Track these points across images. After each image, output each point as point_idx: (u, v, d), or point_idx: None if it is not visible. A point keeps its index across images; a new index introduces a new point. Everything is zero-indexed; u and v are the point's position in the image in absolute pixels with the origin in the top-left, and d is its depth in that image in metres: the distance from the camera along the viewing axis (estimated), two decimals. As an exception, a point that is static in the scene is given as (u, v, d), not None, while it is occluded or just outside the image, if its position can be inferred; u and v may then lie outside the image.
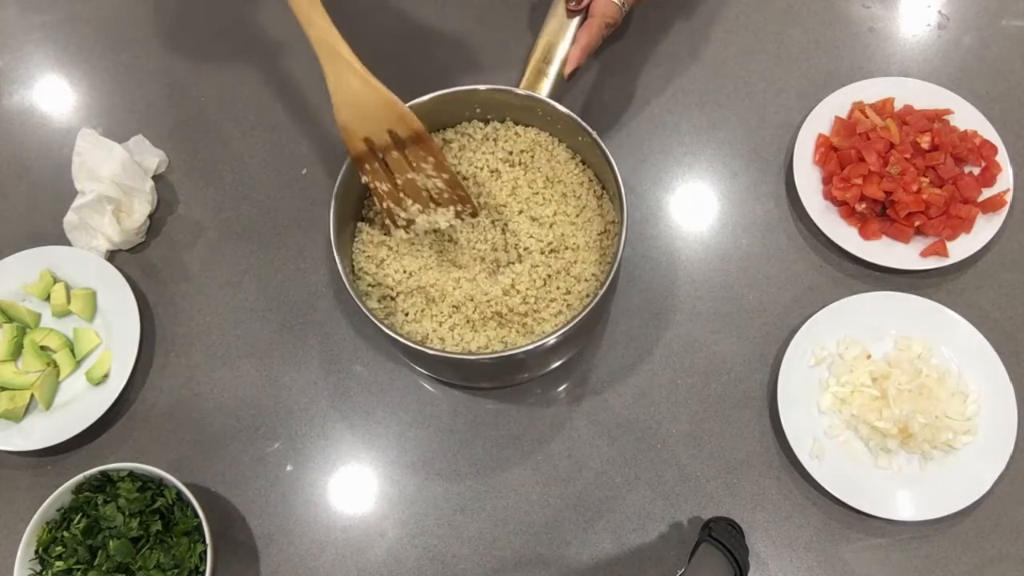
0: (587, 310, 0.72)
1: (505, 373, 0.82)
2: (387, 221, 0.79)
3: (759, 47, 0.99)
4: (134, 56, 1.03)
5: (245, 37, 1.03)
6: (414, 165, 0.74)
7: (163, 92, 1.00)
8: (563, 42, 0.81)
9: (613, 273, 0.73)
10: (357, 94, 0.71)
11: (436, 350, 0.75)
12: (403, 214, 0.77)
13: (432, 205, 0.77)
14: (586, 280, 0.79)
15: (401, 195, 0.75)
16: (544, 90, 0.81)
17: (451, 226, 0.79)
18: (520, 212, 0.81)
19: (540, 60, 0.81)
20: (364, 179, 0.77)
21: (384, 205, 0.77)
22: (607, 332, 0.87)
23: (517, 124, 0.85)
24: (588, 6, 0.80)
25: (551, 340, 0.71)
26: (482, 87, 0.80)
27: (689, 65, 0.99)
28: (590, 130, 0.78)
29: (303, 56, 1.01)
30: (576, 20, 0.81)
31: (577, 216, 0.82)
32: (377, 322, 0.72)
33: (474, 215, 0.79)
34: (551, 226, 0.81)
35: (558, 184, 0.83)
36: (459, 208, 0.79)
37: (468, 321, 0.78)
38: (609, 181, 0.79)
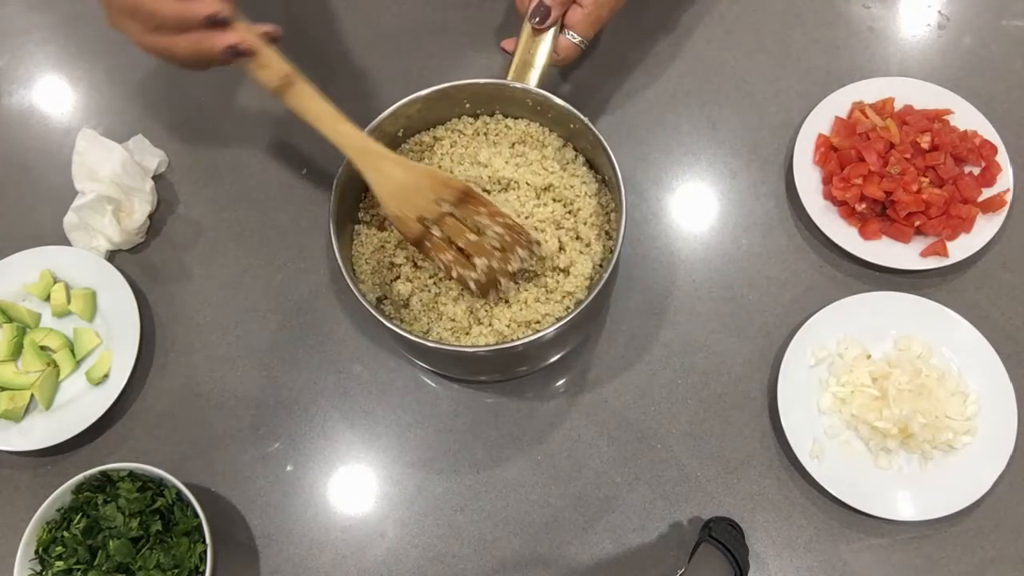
0: (588, 300, 0.72)
1: (505, 366, 0.83)
2: (465, 290, 0.78)
3: (759, 47, 0.99)
4: (134, 56, 1.02)
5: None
6: (469, 223, 0.75)
7: (163, 92, 1.00)
8: (548, 32, 0.81)
9: (614, 262, 0.73)
10: (399, 180, 0.73)
11: (436, 343, 0.75)
12: (474, 274, 0.75)
13: (499, 253, 0.75)
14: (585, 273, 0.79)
15: (467, 257, 0.75)
16: (533, 80, 0.81)
17: (524, 265, 0.77)
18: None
19: (525, 51, 0.82)
20: (430, 258, 0.77)
21: (455, 274, 0.76)
22: (607, 332, 0.87)
23: (507, 117, 0.85)
24: (552, 24, 0.81)
25: (550, 332, 0.71)
26: (477, 81, 0.81)
27: (689, 65, 0.99)
28: (581, 116, 0.78)
29: (304, 56, 1.01)
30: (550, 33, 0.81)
31: (572, 204, 0.81)
32: (380, 317, 0.72)
33: (539, 244, 0.78)
34: (551, 221, 0.81)
35: (552, 175, 0.83)
36: (525, 246, 0.76)
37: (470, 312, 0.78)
38: (605, 167, 0.79)
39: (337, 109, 0.73)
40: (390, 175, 0.74)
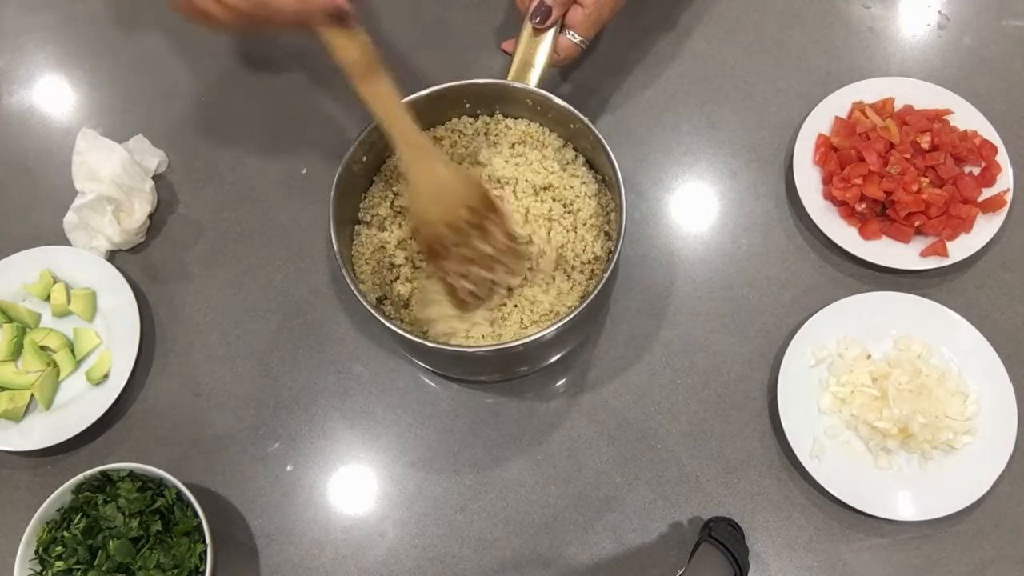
0: (588, 300, 0.72)
1: (505, 366, 0.83)
2: (456, 301, 0.78)
3: (759, 47, 0.99)
4: (134, 56, 1.03)
5: (246, 37, 1.03)
6: (485, 233, 0.75)
7: (163, 92, 1.00)
8: (548, 32, 0.81)
9: (614, 262, 0.73)
10: (441, 180, 0.73)
11: (436, 343, 0.75)
12: (469, 285, 0.76)
13: (499, 268, 0.76)
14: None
15: (471, 268, 0.76)
16: (533, 80, 0.81)
17: (519, 286, 0.78)
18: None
19: (526, 51, 0.82)
20: (434, 263, 0.76)
21: (453, 282, 0.76)
22: (607, 332, 0.87)
23: (507, 117, 0.85)
24: (553, 23, 0.81)
25: (550, 332, 0.71)
26: (477, 81, 0.81)
27: (689, 65, 0.99)
28: (581, 116, 0.78)
29: (304, 56, 1.01)
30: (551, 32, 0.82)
31: (572, 205, 0.81)
32: (381, 317, 0.72)
33: (531, 268, 0.78)
34: (548, 218, 0.81)
35: (552, 175, 0.83)
36: (519, 270, 0.77)
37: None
38: (605, 167, 0.79)
39: (402, 102, 0.73)
40: (434, 173, 0.73)
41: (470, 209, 0.74)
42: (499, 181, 0.82)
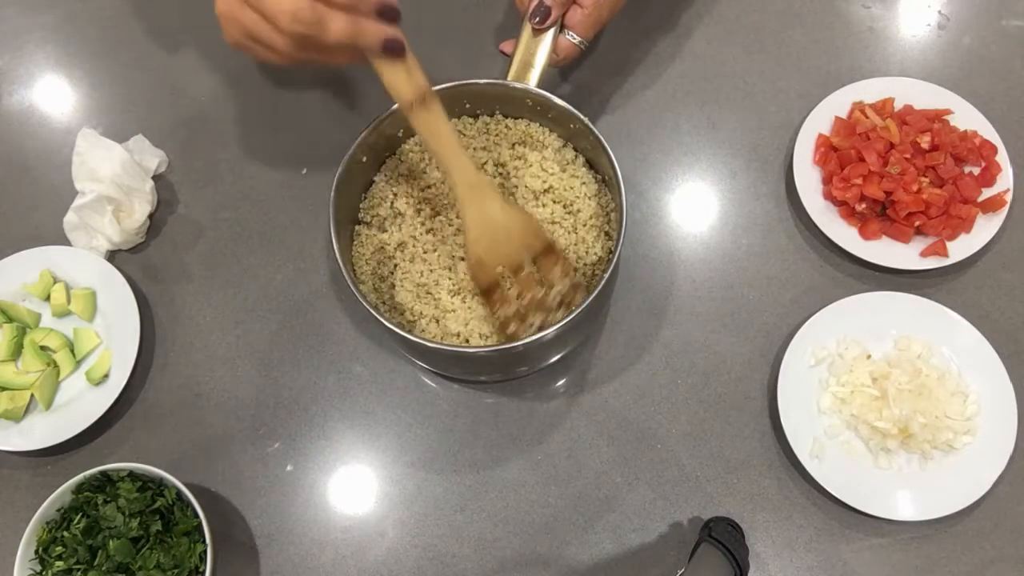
0: (588, 300, 0.72)
1: (505, 365, 0.83)
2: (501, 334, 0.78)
3: (759, 47, 0.99)
4: (134, 56, 1.03)
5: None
6: (541, 277, 0.75)
7: (163, 92, 1.00)
8: (548, 32, 0.81)
9: (614, 262, 0.73)
10: (497, 222, 0.73)
11: (435, 343, 0.75)
12: (522, 327, 0.75)
13: (558, 311, 0.76)
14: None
15: (526, 312, 0.75)
16: (533, 80, 0.81)
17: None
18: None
19: (525, 51, 0.82)
20: (490, 308, 0.76)
21: (510, 329, 0.76)
22: (607, 332, 0.87)
23: (507, 117, 0.85)
24: (552, 24, 0.81)
25: (550, 332, 0.71)
26: (477, 81, 0.81)
27: (689, 65, 0.99)
28: (581, 116, 0.78)
29: (303, 56, 1.01)
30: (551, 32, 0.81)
31: (572, 205, 0.81)
32: (381, 318, 0.72)
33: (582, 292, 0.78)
34: (550, 222, 0.81)
35: (552, 176, 0.83)
36: (576, 303, 0.76)
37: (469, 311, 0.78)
38: (605, 167, 0.79)
39: (460, 138, 0.71)
40: (491, 215, 0.73)
41: (528, 251, 0.74)
42: (501, 167, 0.82)
